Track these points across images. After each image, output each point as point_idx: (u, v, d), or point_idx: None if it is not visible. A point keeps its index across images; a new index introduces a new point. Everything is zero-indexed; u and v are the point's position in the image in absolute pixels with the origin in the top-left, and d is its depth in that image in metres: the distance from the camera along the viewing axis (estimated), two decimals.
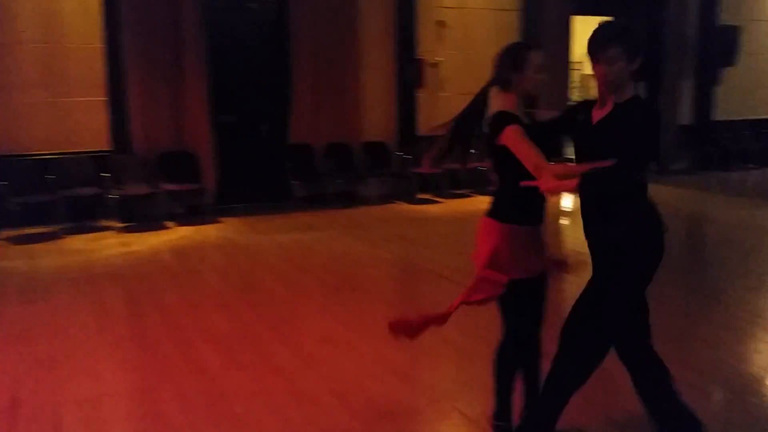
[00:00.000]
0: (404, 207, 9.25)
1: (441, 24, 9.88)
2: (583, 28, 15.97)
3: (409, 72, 9.62)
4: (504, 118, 2.86)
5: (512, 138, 2.76)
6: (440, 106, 10.05)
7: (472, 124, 3.13)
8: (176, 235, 7.69)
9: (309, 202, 9.16)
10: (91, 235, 7.56)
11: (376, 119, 9.59)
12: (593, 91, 12.19)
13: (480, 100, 3.09)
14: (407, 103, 9.70)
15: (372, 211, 8.94)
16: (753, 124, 12.24)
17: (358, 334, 4.56)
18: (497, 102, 2.99)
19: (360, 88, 9.34)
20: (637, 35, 2.74)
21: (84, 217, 8.02)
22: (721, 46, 11.56)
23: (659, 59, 11.56)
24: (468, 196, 9.89)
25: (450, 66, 10.04)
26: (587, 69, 18.10)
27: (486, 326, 4.68)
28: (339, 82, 9.21)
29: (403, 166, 9.56)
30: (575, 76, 16.23)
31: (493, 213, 3.03)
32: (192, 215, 8.47)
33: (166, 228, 7.99)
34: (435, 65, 9.93)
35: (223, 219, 8.39)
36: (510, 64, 2.94)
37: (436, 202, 9.53)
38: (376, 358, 4.16)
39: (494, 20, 10.24)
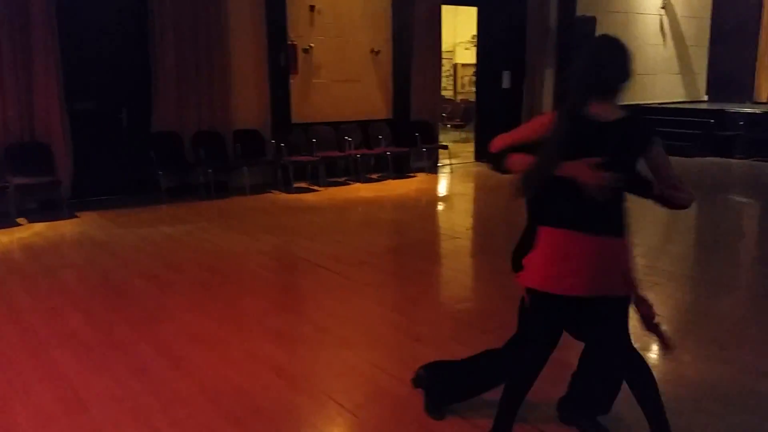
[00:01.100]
0: (280, 196, 9.02)
1: (313, 9, 9.69)
2: (452, 17, 16.39)
3: (281, 58, 9.36)
4: (652, 130, 2.56)
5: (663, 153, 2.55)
6: (314, 93, 9.89)
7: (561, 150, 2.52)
8: (28, 232, 7.03)
9: (177, 193, 8.70)
10: None
11: (247, 106, 9.26)
12: (465, 80, 12.57)
13: (570, 122, 2.52)
14: (280, 90, 9.44)
15: (246, 202, 8.64)
16: None
17: (231, 331, 4.34)
18: (607, 111, 2.53)
19: (229, 74, 8.97)
20: None
21: None
22: (579, 36, 12.20)
23: (523, 49, 12.04)
24: (346, 183, 9.82)
25: (323, 52, 9.89)
26: (458, 58, 18.66)
27: (361, 313, 4.66)
28: (206, 67, 8.79)
29: (278, 153, 9.31)
30: (446, 65, 16.65)
31: (616, 231, 2.59)
32: (46, 210, 7.78)
33: (18, 225, 7.29)
34: (307, 51, 9.74)
35: (80, 214, 7.78)
36: (622, 69, 2.54)
37: (313, 190, 9.37)
38: (250, 354, 3.97)
39: (366, 7, 10.20)
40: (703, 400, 3.38)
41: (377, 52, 10.38)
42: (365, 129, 10.35)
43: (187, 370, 3.75)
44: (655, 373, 3.54)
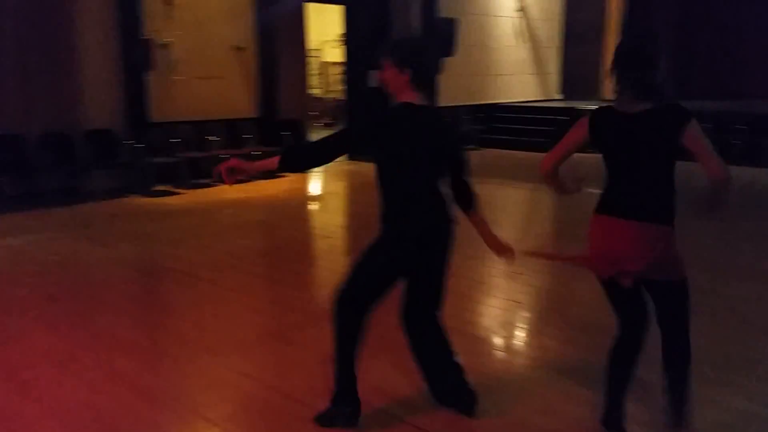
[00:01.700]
0: (139, 200, 8.49)
1: (168, 2, 9.20)
2: (320, 15, 16.28)
3: (136, 53, 8.81)
4: (686, 111, 2.58)
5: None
6: (174, 90, 9.41)
7: None
8: None
9: (22, 200, 7.93)
10: None
11: (99, 105, 8.63)
12: (332, 78, 12.47)
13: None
14: (135, 88, 8.88)
15: (100, 208, 8.05)
16: (470, 109, 13.51)
17: (85, 348, 3.98)
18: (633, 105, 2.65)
19: (78, 71, 8.32)
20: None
21: None
22: (441, 37, 12.52)
23: None
24: (211, 185, 9.43)
25: (182, 47, 9.43)
26: (327, 56, 18.58)
27: (229, 321, 4.44)
28: (52, 64, 8.10)
29: (135, 155, 8.75)
30: (314, 64, 16.52)
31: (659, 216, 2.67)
32: None
33: None
34: (165, 46, 9.24)
35: None
36: (658, 65, 2.66)
37: (176, 193, 8.91)
38: (107, 372, 3.65)
39: (227, 2, 9.85)
40: (565, 382, 3.51)
41: (241, 49, 10.06)
42: (231, 128, 10.00)
43: (36, 395, 3.38)
44: (519, 358, 3.63)
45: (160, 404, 3.32)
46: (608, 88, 12.93)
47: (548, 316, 4.62)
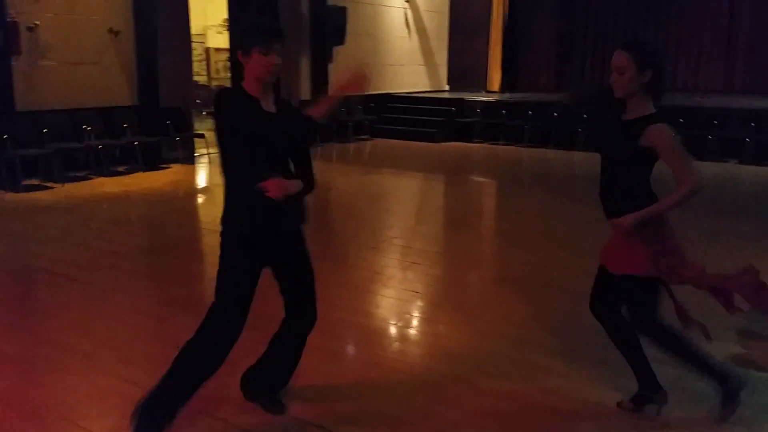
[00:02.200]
0: (6, 196, 7.78)
1: None
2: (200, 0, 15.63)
3: (0, 36, 8.05)
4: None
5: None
6: (43, 77, 8.70)
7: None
8: None
9: None
10: None
11: None
12: (219, 65, 11.98)
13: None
14: (0, 73, 8.12)
15: None
16: (362, 99, 13.48)
17: None
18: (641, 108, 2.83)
19: None
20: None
21: None
22: (331, 25, 12.39)
23: None
24: (87, 178, 8.82)
25: (51, 31, 8.72)
26: (210, 42, 17.92)
27: (111, 324, 4.13)
28: None
29: (1, 147, 8.01)
30: (198, 50, 15.88)
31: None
32: None
33: None
34: (32, 29, 8.51)
35: None
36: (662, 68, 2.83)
37: (48, 187, 8.25)
38: None
39: None
40: (460, 368, 3.53)
41: (117, 33, 9.44)
42: (107, 117, 9.38)
43: None
44: (415, 348, 3.61)
45: (35, 418, 3.03)
46: (495, 80, 13.29)
47: (441, 304, 4.66)
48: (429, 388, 3.38)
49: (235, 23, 2.51)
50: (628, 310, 3.01)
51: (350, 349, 3.97)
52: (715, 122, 10.92)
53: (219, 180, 9.55)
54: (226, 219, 2.82)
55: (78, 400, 3.23)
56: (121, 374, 3.45)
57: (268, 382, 3.10)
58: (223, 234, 2.84)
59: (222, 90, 2.91)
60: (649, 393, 3.06)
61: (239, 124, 2.62)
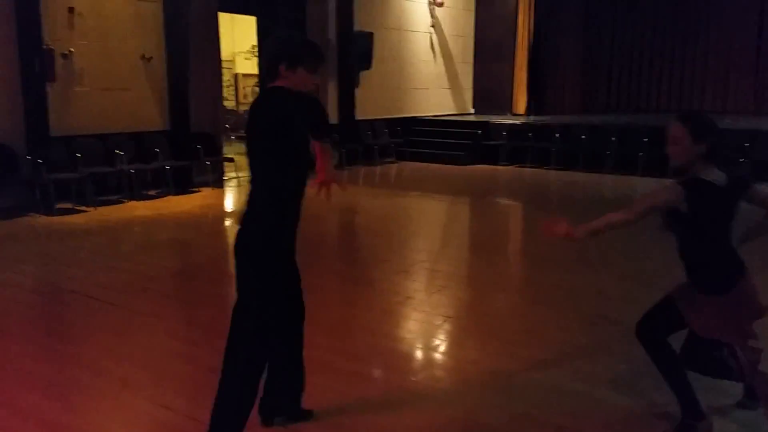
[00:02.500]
0: (40, 220, 7.93)
1: (72, 11, 8.71)
2: (230, 26, 15.97)
3: (36, 63, 8.27)
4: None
5: None
6: (77, 102, 8.90)
7: None
8: None
9: None
10: None
11: None
12: (247, 90, 12.15)
13: None
14: (35, 100, 8.33)
15: None
16: (388, 122, 13.57)
17: None
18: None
19: None
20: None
21: None
22: (358, 50, 12.52)
23: None
24: (119, 202, 8.96)
25: (85, 57, 8.94)
26: (239, 68, 18.22)
27: (145, 348, 4.16)
28: None
29: (36, 171, 8.18)
30: (226, 75, 16.14)
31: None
32: None
33: None
34: (67, 56, 8.73)
35: None
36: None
37: (81, 211, 8.39)
38: (11, 408, 3.32)
39: (133, 10, 9.43)
40: (492, 396, 3.48)
41: (149, 59, 9.64)
42: (139, 141, 9.55)
43: None
44: (446, 373, 3.57)
45: None
46: (521, 103, 13.31)
47: (470, 328, 4.61)
48: (461, 414, 3.33)
49: (283, 38, 2.63)
50: (642, 321, 3.06)
51: (381, 374, 3.93)
52: (746, 144, 10.78)
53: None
54: (266, 237, 2.80)
55: (114, 425, 3.24)
56: (157, 399, 3.46)
57: (291, 392, 3.13)
58: (260, 253, 2.80)
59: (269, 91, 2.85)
60: (693, 421, 2.99)
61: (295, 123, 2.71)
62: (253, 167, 2.78)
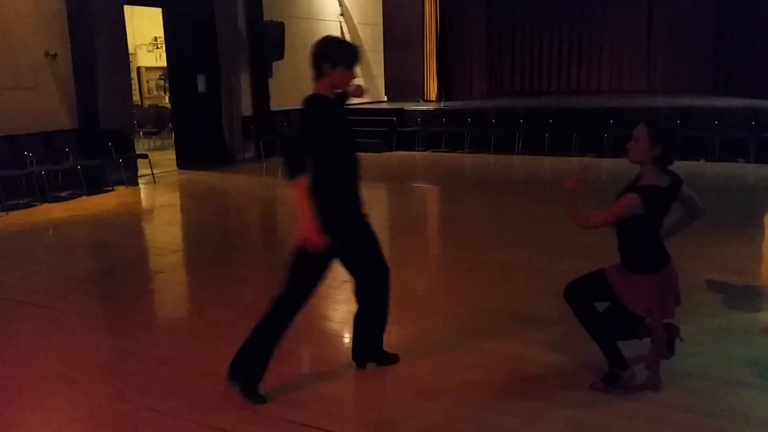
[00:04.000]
0: None
1: None
2: (130, 18, 15.45)
3: None
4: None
5: None
6: None
7: None
8: None
9: None
10: None
11: None
12: (151, 84, 11.81)
13: None
14: None
15: None
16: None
17: None
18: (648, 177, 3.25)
19: None
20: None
21: None
22: (269, 40, 12.45)
23: (215, 52, 11.87)
24: (30, 205, 8.59)
25: None
26: (141, 61, 17.62)
27: (81, 347, 4.11)
28: None
29: None
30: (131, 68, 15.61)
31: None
32: None
33: None
34: None
35: None
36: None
37: None
38: None
39: (33, 6, 9.00)
40: (429, 360, 3.70)
41: (53, 55, 9.25)
42: (48, 141, 9.16)
43: None
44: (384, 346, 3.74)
45: None
46: (432, 89, 13.63)
47: (408, 305, 4.82)
48: (407, 381, 3.54)
49: (326, 41, 3.05)
50: (572, 285, 3.41)
51: (329, 353, 4.06)
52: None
53: (165, 199, 9.49)
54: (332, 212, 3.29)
55: (66, 420, 3.22)
56: (106, 393, 3.46)
57: (377, 341, 3.65)
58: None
59: (313, 97, 3.27)
60: (618, 371, 3.32)
61: (337, 124, 3.27)
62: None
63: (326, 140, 3.18)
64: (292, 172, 3.16)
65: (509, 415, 3.16)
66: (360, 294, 3.57)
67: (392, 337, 3.88)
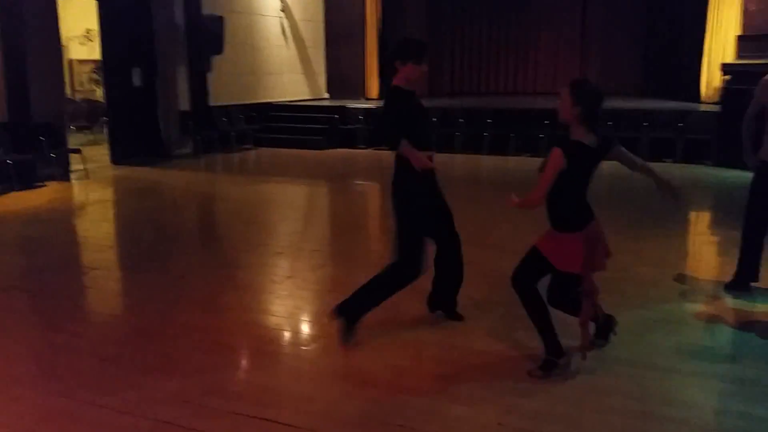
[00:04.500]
0: None
1: None
2: (62, 9, 14.93)
3: None
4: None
5: None
6: None
7: None
8: None
9: None
10: None
11: None
12: (83, 77, 11.49)
13: None
14: None
15: None
16: (243, 108, 13.43)
17: None
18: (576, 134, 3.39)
19: None
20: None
21: None
22: (208, 34, 12.25)
23: (152, 46, 11.61)
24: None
25: None
26: (73, 53, 17.03)
27: (35, 349, 3.99)
28: None
29: None
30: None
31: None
32: None
33: None
34: None
35: None
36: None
37: None
38: None
39: None
40: (372, 351, 3.78)
41: None
42: None
43: None
44: (330, 339, 3.80)
45: None
46: (373, 87, 13.68)
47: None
48: (353, 371, 3.60)
49: (398, 41, 3.57)
50: (516, 270, 3.54)
51: (279, 347, 4.07)
52: None
53: (98, 195, 9.27)
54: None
55: (13, 418, 3.13)
56: (52, 390, 3.38)
57: (449, 295, 4.24)
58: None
59: (392, 88, 3.93)
60: (554, 358, 3.47)
61: (410, 110, 3.86)
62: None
63: (402, 122, 3.78)
64: (394, 143, 3.76)
65: (451, 404, 3.25)
66: (438, 259, 4.14)
67: (334, 331, 3.93)
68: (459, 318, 4.24)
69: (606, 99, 3.43)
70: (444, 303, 4.27)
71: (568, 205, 3.40)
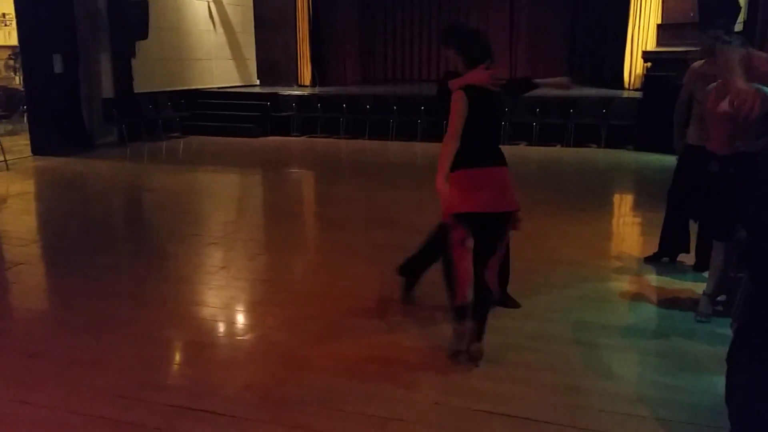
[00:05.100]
0: None
1: None
2: None
3: None
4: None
5: None
6: None
7: None
8: None
9: None
10: None
11: None
12: None
13: None
14: None
15: None
16: (170, 95, 13.07)
17: None
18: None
19: None
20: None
21: None
22: (132, 19, 11.84)
23: (73, 31, 11.14)
24: None
25: None
26: None
27: None
28: None
29: None
30: None
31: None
32: None
33: None
34: None
35: None
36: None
37: None
38: None
39: None
40: (309, 338, 3.80)
41: None
42: None
43: None
44: (269, 329, 3.79)
45: None
46: (306, 74, 13.61)
47: (291, 288, 4.86)
48: (296, 358, 3.60)
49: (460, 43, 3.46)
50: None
51: (218, 339, 4.02)
52: (507, 110, 12.23)
53: (19, 187, 8.90)
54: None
55: None
56: (9, 396, 3.23)
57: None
58: None
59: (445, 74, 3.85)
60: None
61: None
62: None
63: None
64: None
65: (389, 386, 3.31)
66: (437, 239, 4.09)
67: (270, 319, 3.92)
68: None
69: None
70: (412, 273, 4.32)
71: (465, 145, 3.42)
